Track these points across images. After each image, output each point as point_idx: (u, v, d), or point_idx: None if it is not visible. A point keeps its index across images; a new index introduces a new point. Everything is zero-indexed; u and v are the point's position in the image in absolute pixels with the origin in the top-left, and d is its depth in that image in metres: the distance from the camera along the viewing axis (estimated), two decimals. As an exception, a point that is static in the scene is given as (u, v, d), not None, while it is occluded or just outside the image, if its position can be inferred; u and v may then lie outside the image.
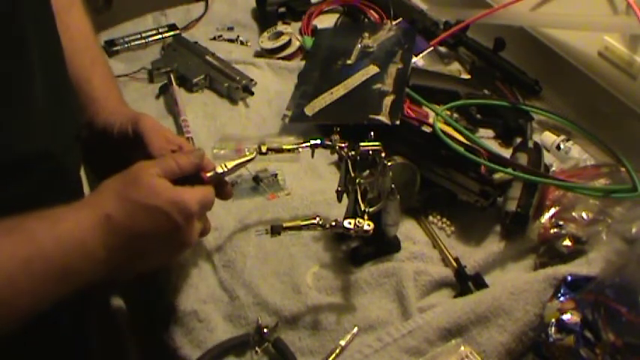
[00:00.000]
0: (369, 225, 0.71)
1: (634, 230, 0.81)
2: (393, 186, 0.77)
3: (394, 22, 1.22)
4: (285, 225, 0.72)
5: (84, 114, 0.81)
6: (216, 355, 0.74)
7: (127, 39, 1.21)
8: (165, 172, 0.67)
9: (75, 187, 0.81)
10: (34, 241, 0.57)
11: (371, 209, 0.75)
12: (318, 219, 0.72)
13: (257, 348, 0.74)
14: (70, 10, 0.84)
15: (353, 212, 0.78)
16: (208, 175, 0.73)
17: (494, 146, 1.00)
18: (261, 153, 0.79)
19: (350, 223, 0.71)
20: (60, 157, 0.71)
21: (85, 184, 0.88)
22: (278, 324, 0.76)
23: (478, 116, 1.03)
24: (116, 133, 0.79)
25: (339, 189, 0.82)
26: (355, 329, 0.76)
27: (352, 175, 0.80)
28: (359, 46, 1.13)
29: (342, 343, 0.75)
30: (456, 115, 1.02)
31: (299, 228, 0.72)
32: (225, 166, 0.75)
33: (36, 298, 0.57)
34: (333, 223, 0.71)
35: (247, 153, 0.77)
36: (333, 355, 0.74)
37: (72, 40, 0.79)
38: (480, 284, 0.81)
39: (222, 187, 0.76)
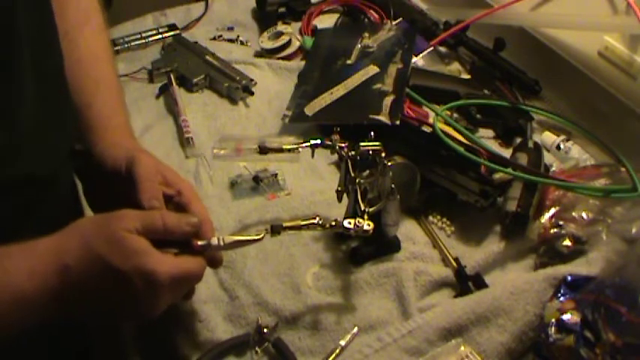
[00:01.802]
0: (369, 225, 0.71)
1: (634, 230, 0.81)
2: (393, 186, 0.77)
3: (394, 22, 1.22)
4: (285, 225, 0.72)
5: (82, 142, 0.74)
6: (216, 355, 0.74)
7: (127, 39, 1.21)
8: (147, 229, 0.59)
9: (67, 202, 0.76)
10: None
11: (371, 209, 0.75)
12: (317, 219, 0.72)
13: (257, 348, 0.74)
14: (84, 28, 0.76)
15: (353, 212, 0.78)
16: (199, 243, 0.64)
17: (494, 146, 1.00)
18: (261, 153, 0.79)
19: (350, 223, 0.71)
20: (50, 178, 0.66)
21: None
22: (278, 324, 0.76)
23: (478, 116, 1.03)
24: (110, 168, 0.70)
25: (339, 189, 0.82)
26: (355, 329, 0.76)
27: (352, 175, 0.80)
28: (359, 46, 1.13)
29: (342, 343, 0.75)
30: (456, 115, 1.02)
31: (299, 228, 0.72)
32: (223, 241, 0.66)
33: None
34: (333, 223, 0.71)
35: (254, 234, 0.68)
36: (333, 355, 0.74)
37: (79, 62, 0.74)
38: (480, 284, 0.81)
39: (212, 258, 0.68)
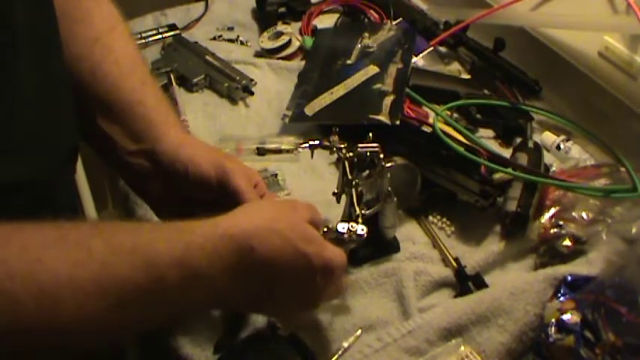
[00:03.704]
0: (363, 229, 0.71)
1: (634, 230, 0.81)
2: (390, 188, 0.77)
3: (394, 22, 1.22)
4: None
5: (138, 139, 0.71)
6: (233, 356, 0.73)
7: (127, 39, 1.20)
8: (313, 221, 0.63)
9: (66, 208, 0.73)
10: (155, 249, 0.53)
11: (367, 212, 0.75)
12: None
13: (273, 344, 0.74)
14: (112, 32, 0.75)
15: (349, 215, 0.78)
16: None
17: (494, 146, 1.00)
18: (259, 154, 0.79)
19: (344, 228, 0.71)
20: (49, 182, 0.63)
21: (88, 192, 0.85)
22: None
23: (478, 116, 1.03)
24: (192, 176, 0.69)
25: (336, 191, 0.82)
26: (359, 332, 0.76)
27: (349, 177, 0.79)
28: (359, 46, 1.13)
29: (345, 344, 0.75)
30: (456, 115, 1.02)
31: None
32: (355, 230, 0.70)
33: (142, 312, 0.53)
34: (325, 230, 0.71)
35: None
36: (336, 357, 0.74)
37: (117, 63, 0.72)
38: (480, 284, 0.81)
39: None
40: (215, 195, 0.70)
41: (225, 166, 0.69)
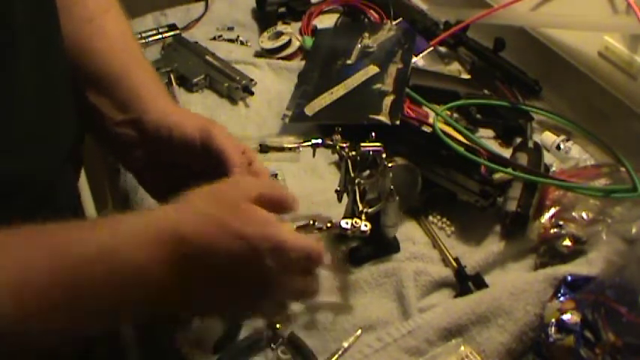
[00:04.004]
0: (367, 225, 0.71)
1: (634, 230, 0.81)
2: (392, 187, 0.77)
3: (394, 22, 1.22)
4: None
5: (125, 109, 0.69)
6: (233, 356, 0.73)
7: (127, 39, 1.20)
8: (266, 199, 0.55)
9: (67, 208, 0.72)
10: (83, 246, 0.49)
11: (370, 210, 0.75)
12: (311, 221, 0.72)
13: (272, 344, 0.74)
14: (106, 14, 0.75)
15: (351, 212, 0.78)
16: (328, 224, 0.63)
17: (494, 146, 1.00)
18: (262, 151, 0.79)
19: (347, 223, 0.71)
20: (49, 181, 0.62)
21: (88, 192, 0.84)
22: (290, 318, 0.76)
23: (478, 116, 1.03)
24: (177, 139, 0.66)
25: (339, 189, 0.82)
26: (359, 332, 0.76)
27: (352, 175, 0.80)
28: (359, 46, 1.13)
29: (345, 344, 0.75)
30: (456, 115, 1.02)
31: None
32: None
33: (70, 315, 0.49)
34: (329, 225, 0.71)
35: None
36: (336, 357, 0.74)
37: (108, 40, 0.71)
38: (480, 284, 0.81)
39: None
40: (201, 162, 0.66)
41: (210, 129, 0.65)
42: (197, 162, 0.66)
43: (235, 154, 0.63)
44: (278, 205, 0.57)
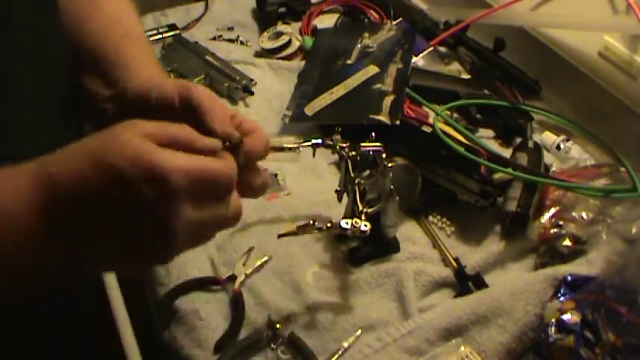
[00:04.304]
0: (366, 225, 0.71)
1: (634, 230, 0.81)
2: (392, 187, 0.77)
3: (394, 22, 1.22)
4: (280, 233, 0.72)
5: (113, 85, 0.64)
6: (234, 355, 0.73)
7: (127, 39, 1.20)
8: (165, 137, 0.47)
9: None
10: None
11: (370, 210, 0.75)
12: (311, 221, 0.72)
13: (272, 344, 0.74)
14: None
15: (352, 212, 0.78)
16: (227, 145, 0.52)
17: (494, 146, 1.00)
18: None
19: (347, 223, 0.71)
20: None
21: None
22: (290, 318, 0.76)
23: (478, 116, 1.03)
24: (155, 99, 0.60)
25: (339, 189, 0.82)
26: (359, 332, 0.76)
27: (352, 175, 0.80)
28: (359, 46, 1.13)
29: (345, 344, 0.75)
30: (456, 115, 1.02)
31: (294, 233, 0.72)
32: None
33: None
34: (329, 225, 0.71)
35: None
36: (336, 357, 0.74)
37: (103, 17, 0.67)
38: (480, 284, 0.81)
39: (249, 173, 0.55)
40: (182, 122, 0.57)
41: (189, 86, 0.58)
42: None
43: (214, 108, 0.56)
44: (185, 143, 0.48)
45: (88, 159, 0.45)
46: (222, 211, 0.49)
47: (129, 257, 0.49)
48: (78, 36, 0.67)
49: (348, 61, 1.10)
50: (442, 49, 1.19)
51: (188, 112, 0.56)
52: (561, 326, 0.69)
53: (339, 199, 0.83)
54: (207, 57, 1.14)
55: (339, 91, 1.04)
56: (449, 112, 1.01)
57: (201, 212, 0.47)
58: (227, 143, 0.52)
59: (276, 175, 0.95)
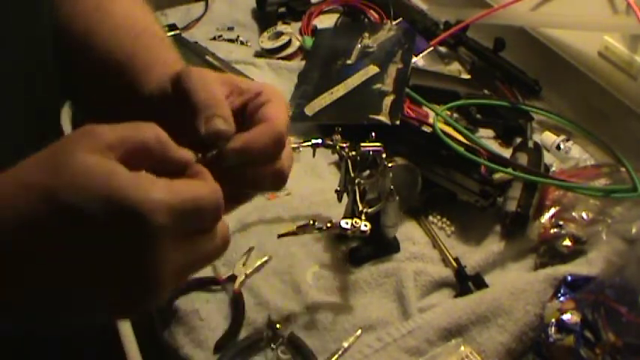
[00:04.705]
0: (366, 225, 0.71)
1: (634, 230, 0.81)
2: (392, 187, 0.77)
3: (394, 22, 1.22)
4: (280, 233, 0.72)
5: (127, 99, 0.55)
6: (234, 355, 0.73)
7: (127, 39, 1.20)
8: (129, 146, 0.37)
9: None
10: None
11: (370, 210, 0.75)
12: (311, 221, 0.72)
13: (272, 345, 0.74)
14: (116, 1, 0.62)
15: (352, 212, 0.78)
16: (208, 155, 0.42)
17: (494, 146, 1.00)
18: None
19: (347, 223, 0.71)
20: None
21: None
22: (290, 318, 0.76)
23: (478, 116, 1.03)
24: (156, 97, 0.51)
25: (339, 189, 0.82)
26: (359, 332, 0.76)
27: (352, 175, 0.80)
28: (359, 46, 1.13)
29: (345, 344, 0.75)
30: (456, 115, 1.02)
31: (294, 233, 0.72)
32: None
33: None
34: (329, 225, 0.71)
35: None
36: (336, 357, 0.74)
37: (111, 16, 0.59)
38: (480, 284, 0.81)
39: (235, 179, 0.44)
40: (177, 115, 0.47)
41: (183, 69, 0.48)
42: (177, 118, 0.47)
43: (206, 86, 0.45)
44: (156, 153, 0.38)
45: (33, 196, 0.34)
46: (209, 245, 0.40)
47: (104, 307, 0.39)
48: (88, 49, 0.59)
49: (348, 61, 1.10)
50: (442, 49, 1.19)
51: (180, 98, 0.46)
52: (561, 326, 0.69)
53: (339, 199, 0.83)
54: (207, 57, 1.14)
55: (339, 91, 1.04)
56: (449, 112, 1.01)
57: (185, 252, 0.38)
58: (212, 152, 0.42)
59: (276, 175, 0.95)
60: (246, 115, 0.47)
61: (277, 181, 0.48)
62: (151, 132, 0.38)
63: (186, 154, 0.40)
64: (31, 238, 0.35)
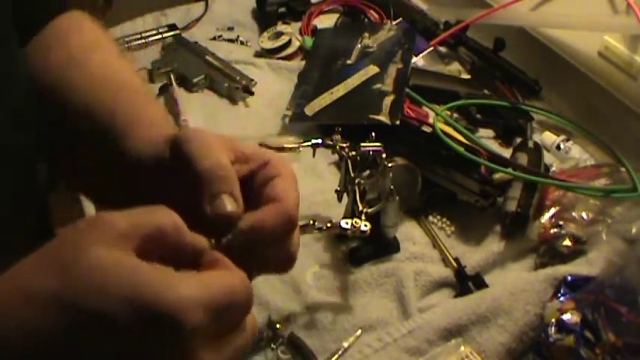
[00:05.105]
0: (366, 225, 0.71)
1: (634, 230, 0.81)
2: (392, 187, 0.77)
3: (394, 22, 1.22)
4: None
5: (110, 157, 0.50)
6: None
7: (127, 39, 1.20)
8: (145, 235, 0.33)
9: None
10: None
11: (370, 210, 0.75)
12: (311, 221, 0.72)
13: (272, 345, 0.74)
14: (93, 52, 0.57)
15: (351, 212, 0.78)
16: (223, 241, 0.39)
17: (494, 146, 1.00)
18: None
19: (347, 223, 0.71)
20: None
21: None
22: (290, 318, 0.76)
23: (478, 116, 1.03)
24: (148, 161, 0.46)
25: (339, 189, 0.82)
26: (359, 332, 0.76)
27: (352, 175, 0.80)
28: (359, 46, 1.13)
29: (345, 344, 0.75)
30: (456, 115, 1.02)
31: None
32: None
33: None
34: (329, 225, 0.71)
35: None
36: (336, 357, 0.74)
37: (91, 77, 0.55)
38: (480, 284, 0.81)
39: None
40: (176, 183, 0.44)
41: (181, 133, 0.44)
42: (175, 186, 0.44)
43: (210, 150, 0.42)
44: (171, 240, 0.35)
45: (39, 307, 0.30)
46: (240, 340, 0.36)
47: None
48: (63, 106, 0.54)
49: (348, 61, 1.10)
50: (442, 49, 1.19)
51: (180, 163, 0.42)
52: (561, 326, 0.69)
53: (339, 199, 0.83)
54: (207, 57, 1.14)
55: (339, 91, 1.04)
56: (449, 112, 1.01)
57: (218, 350, 0.34)
58: (227, 237, 0.39)
59: (276, 175, 0.95)
60: (254, 186, 0.44)
61: (284, 264, 0.45)
62: (167, 218, 0.35)
63: (201, 240, 0.37)
64: (47, 352, 0.30)
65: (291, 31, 1.21)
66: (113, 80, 0.55)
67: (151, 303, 0.30)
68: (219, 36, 1.24)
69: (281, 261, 0.44)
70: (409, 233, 0.88)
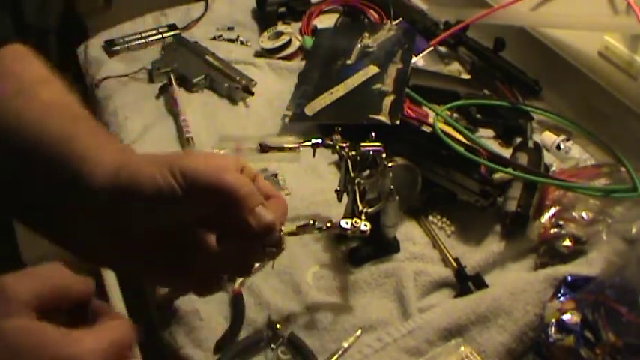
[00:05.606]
0: (366, 225, 0.71)
1: (634, 230, 0.81)
2: (392, 187, 0.77)
3: (394, 22, 1.22)
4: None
5: (61, 181, 0.50)
6: (233, 356, 0.74)
7: (127, 39, 1.21)
8: (38, 297, 0.37)
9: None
10: None
11: (370, 210, 0.75)
12: (311, 221, 0.72)
13: (272, 345, 0.74)
14: (43, 86, 0.56)
15: (351, 212, 0.78)
16: (268, 251, 0.49)
17: (494, 146, 1.00)
18: (262, 151, 0.79)
19: (347, 223, 0.71)
20: None
21: None
22: (290, 318, 0.76)
23: (478, 116, 1.03)
24: (150, 188, 0.47)
25: (339, 189, 0.82)
26: (359, 332, 0.76)
27: (352, 175, 0.80)
28: (359, 46, 1.13)
29: (345, 344, 0.75)
30: (456, 115, 1.02)
31: (294, 233, 0.72)
32: None
33: None
34: (329, 225, 0.71)
35: None
36: (336, 357, 0.74)
37: (43, 106, 0.53)
38: (480, 284, 0.81)
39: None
40: (184, 212, 0.49)
41: (181, 158, 0.48)
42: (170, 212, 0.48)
43: (234, 177, 0.47)
44: (66, 295, 0.39)
45: None
46: None
47: None
48: (12, 138, 0.52)
49: (348, 61, 1.10)
50: (442, 49, 1.19)
51: (192, 194, 0.46)
52: (561, 326, 0.69)
53: (339, 199, 0.83)
54: (208, 57, 1.14)
55: (339, 91, 1.04)
56: (449, 112, 1.01)
57: None
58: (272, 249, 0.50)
59: (276, 175, 0.95)
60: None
61: (278, 249, 0.53)
62: (59, 275, 0.39)
63: (87, 283, 0.41)
64: None
65: (291, 31, 1.21)
66: (69, 107, 0.56)
67: (61, 358, 0.36)
68: (219, 36, 1.24)
69: (277, 248, 0.53)
70: (409, 233, 0.88)
